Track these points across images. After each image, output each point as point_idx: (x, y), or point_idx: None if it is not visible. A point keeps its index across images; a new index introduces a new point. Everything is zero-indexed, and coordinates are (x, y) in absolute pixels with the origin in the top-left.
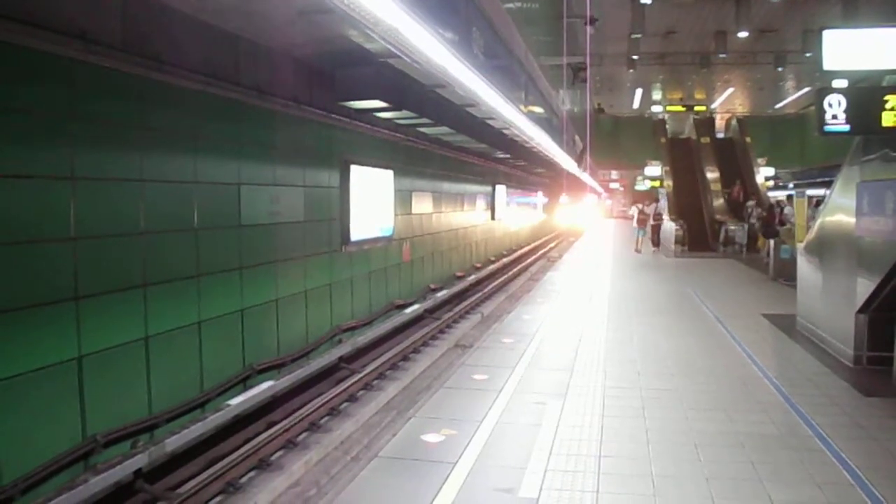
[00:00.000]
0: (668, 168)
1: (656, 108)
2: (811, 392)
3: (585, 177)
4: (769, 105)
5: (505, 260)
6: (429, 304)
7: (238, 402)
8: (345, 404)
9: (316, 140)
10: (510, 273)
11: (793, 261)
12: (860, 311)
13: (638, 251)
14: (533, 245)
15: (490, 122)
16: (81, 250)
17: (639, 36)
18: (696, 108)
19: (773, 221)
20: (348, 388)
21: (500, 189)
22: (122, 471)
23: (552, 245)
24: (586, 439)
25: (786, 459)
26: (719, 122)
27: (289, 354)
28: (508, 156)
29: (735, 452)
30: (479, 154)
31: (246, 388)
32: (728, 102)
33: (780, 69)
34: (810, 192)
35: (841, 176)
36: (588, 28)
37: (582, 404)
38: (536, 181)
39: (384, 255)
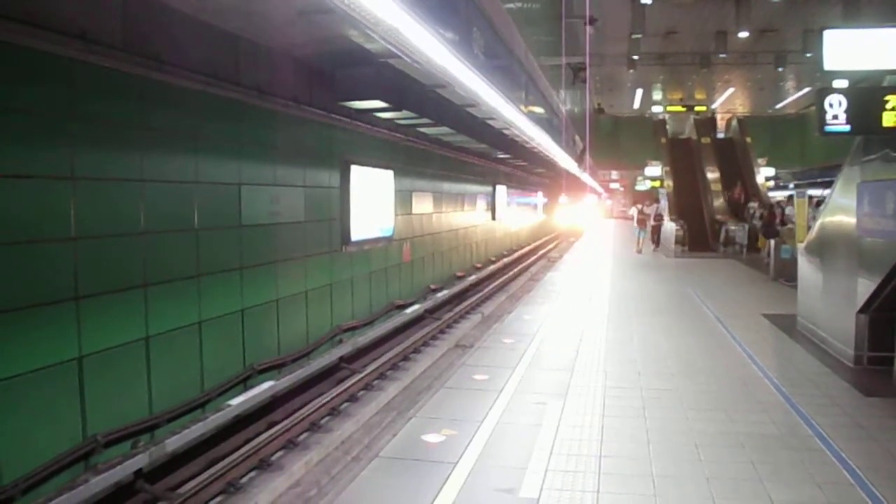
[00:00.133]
0: (668, 168)
1: (657, 109)
2: (812, 392)
3: (585, 177)
4: (770, 105)
5: (505, 260)
6: (429, 304)
7: (238, 402)
8: (345, 404)
9: (316, 140)
10: (510, 273)
11: (793, 261)
12: (861, 311)
13: (639, 251)
14: (533, 245)
15: (490, 122)
16: (82, 250)
17: (639, 36)
18: (697, 109)
19: (773, 221)
20: (349, 388)
21: (501, 189)
22: (122, 471)
23: (552, 245)
24: (587, 439)
25: (786, 459)
26: (720, 123)
27: (289, 354)
28: (509, 156)
29: (735, 452)
30: (480, 154)
31: (246, 389)
32: (728, 102)
33: (780, 69)
34: (811, 192)
35: (841, 176)
36: (588, 28)
37: (582, 404)
38: (537, 181)
39: (384, 255)
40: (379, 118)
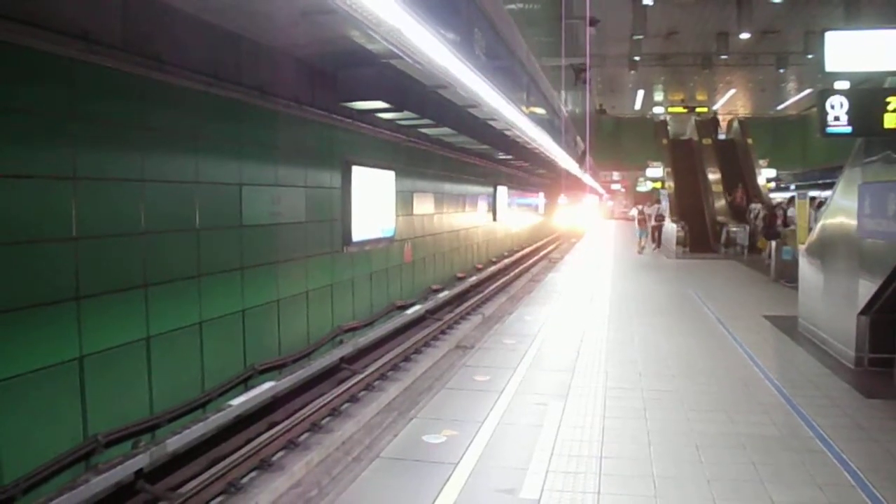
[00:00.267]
0: (669, 169)
1: (658, 110)
2: (812, 393)
3: (587, 178)
4: (771, 106)
5: (506, 261)
6: (430, 304)
7: (239, 402)
8: (346, 405)
9: (318, 140)
10: (511, 274)
11: (794, 262)
12: (862, 312)
13: (640, 252)
14: (534, 246)
15: (492, 123)
16: (82, 250)
17: (640, 37)
18: (698, 110)
19: (775, 223)
20: (349, 388)
21: (502, 190)
22: (123, 471)
23: (553, 246)
24: (587, 440)
25: (787, 461)
26: (721, 124)
27: (290, 355)
28: (510, 157)
29: (736, 454)
30: (481, 155)
31: (247, 389)
32: (730, 104)
33: (781, 70)
34: (812, 193)
35: (843, 178)
36: (589, 29)
37: (583, 405)
38: (538, 182)
39: (385, 255)
40: (380, 119)
